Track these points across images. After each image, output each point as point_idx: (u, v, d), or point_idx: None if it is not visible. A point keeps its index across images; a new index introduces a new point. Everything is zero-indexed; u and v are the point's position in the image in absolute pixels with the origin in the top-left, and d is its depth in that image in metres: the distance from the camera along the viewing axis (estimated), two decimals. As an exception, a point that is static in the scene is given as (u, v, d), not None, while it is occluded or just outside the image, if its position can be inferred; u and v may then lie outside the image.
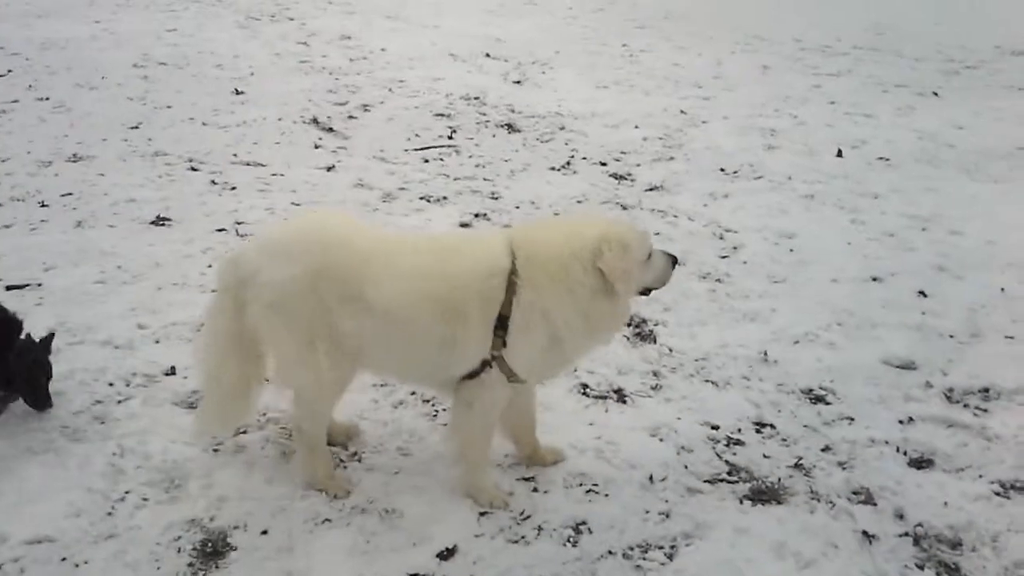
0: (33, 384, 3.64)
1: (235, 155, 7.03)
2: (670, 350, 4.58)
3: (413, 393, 4.05)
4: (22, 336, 3.68)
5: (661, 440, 3.87)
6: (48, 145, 6.95)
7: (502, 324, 3.13)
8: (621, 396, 4.16)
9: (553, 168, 7.18)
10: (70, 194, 6.04)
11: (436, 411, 3.95)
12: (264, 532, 3.20)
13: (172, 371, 4.10)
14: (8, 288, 4.71)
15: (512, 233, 3.34)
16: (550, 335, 3.21)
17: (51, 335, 3.78)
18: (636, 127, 8.27)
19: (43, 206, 5.85)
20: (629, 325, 4.77)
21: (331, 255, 3.14)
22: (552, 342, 3.23)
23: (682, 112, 8.80)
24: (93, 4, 11.98)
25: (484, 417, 3.35)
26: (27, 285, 4.77)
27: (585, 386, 4.19)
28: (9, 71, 8.86)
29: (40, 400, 3.66)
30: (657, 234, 5.93)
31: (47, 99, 8.07)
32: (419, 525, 3.28)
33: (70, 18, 11.15)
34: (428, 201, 6.32)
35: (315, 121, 7.99)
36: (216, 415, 3.43)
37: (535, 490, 3.52)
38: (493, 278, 3.13)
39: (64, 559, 3.04)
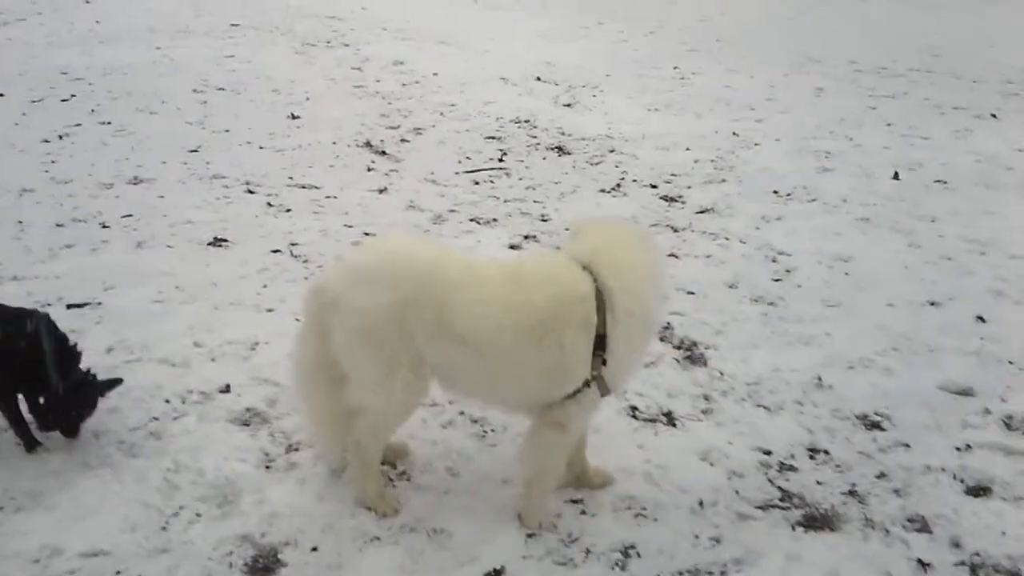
0: (68, 417, 3.66)
1: (290, 178, 7.16)
2: (721, 374, 4.53)
3: (462, 413, 4.07)
4: (82, 367, 3.72)
5: (712, 465, 3.82)
6: (110, 168, 7.15)
7: (599, 343, 3.13)
8: (671, 419, 4.12)
9: (603, 190, 7.18)
10: (130, 215, 6.20)
11: (484, 432, 3.95)
12: (314, 549, 3.22)
13: (227, 389, 4.17)
14: (68, 307, 4.84)
15: (578, 253, 3.30)
16: (645, 345, 3.31)
17: (118, 381, 3.81)
18: (687, 149, 8.24)
19: (104, 227, 6.01)
20: (679, 348, 4.75)
21: (420, 284, 3.14)
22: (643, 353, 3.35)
23: (734, 134, 8.75)
24: (154, 31, 12.35)
25: (574, 436, 3.38)
26: (87, 304, 4.90)
27: (634, 409, 4.16)
28: (72, 96, 9.16)
29: (72, 431, 3.70)
30: (708, 257, 5.90)
31: (109, 123, 8.32)
32: (467, 546, 3.28)
33: (131, 45, 11.51)
34: (478, 223, 6.36)
35: (368, 144, 8.11)
36: (325, 443, 3.53)
37: (583, 512, 3.49)
38: (586, 301, 3.12)
39: (118, 572, 3.08)
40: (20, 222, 6.01)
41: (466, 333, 3.11)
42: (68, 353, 3.69)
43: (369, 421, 3.34)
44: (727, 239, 6.23)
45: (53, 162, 7.23)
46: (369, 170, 7.47)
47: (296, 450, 3.77)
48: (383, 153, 7.92)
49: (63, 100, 9.00)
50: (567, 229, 5.89)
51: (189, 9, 14.05)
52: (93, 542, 3.20)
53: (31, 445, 3.66)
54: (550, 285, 3.17)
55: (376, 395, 3.24)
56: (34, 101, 8.93)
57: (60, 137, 7.85)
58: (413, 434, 3.91)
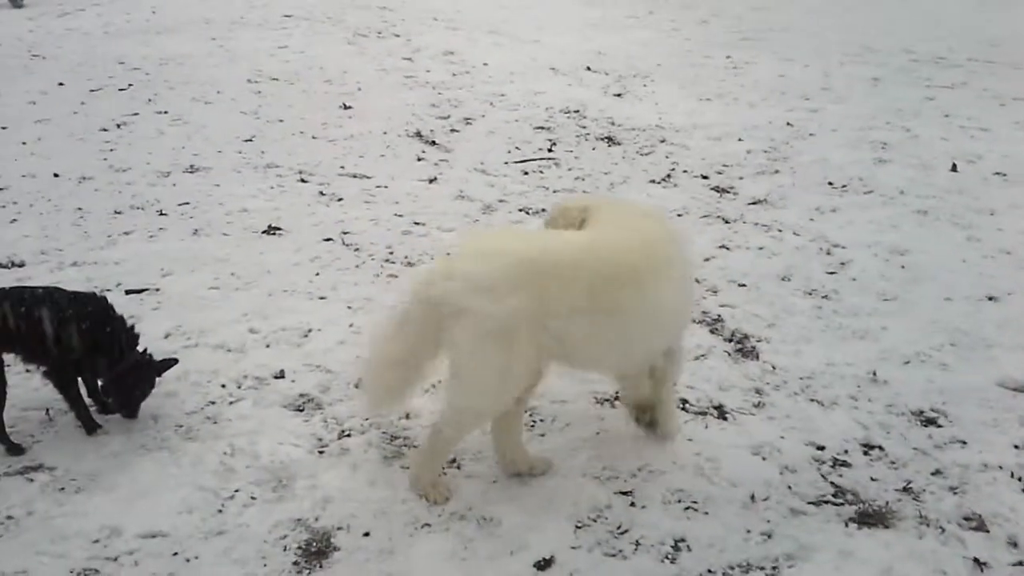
0: (129, 396, 3.78)
1: (342, 167, 7.22)
2: (773, 367, 4.48)
3: (512, 403, 4.09)
4: (139, 349, 3.81)
5: (764, 459, 3.78)
6: (167, 156, 7.29)
7: None
8: (722, 413, 4.09)
9: (653, 181, 7.13)
10: (187, 203, 6.32)
11: (533, 422, 3.96)
12: (366, 534, 3.27)
13: (281, 375, 4.24)
14: (127, 292, 4.96)
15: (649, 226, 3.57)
16: None
17: (174, 361, 3.92)
18: (740, 139, 8.15)
19: (162, 215, 6.13)
20: (730, 340, 4.70)
21: (554, 276, 3.18)
22: None
23: (788, 124, 8.63)
24: (210, 22, 12.53)
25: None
26: (145, 290, 5.01)
27: (685, 401, 4.14)
28: (130, 85, 9.34)
29: (132, 412, 3.81)
30: (760, 248, 5.84)
31: (166, 112, 8.47)
32: (516, 534, 3.30)
33: (188, 35, 11.69)
34: (527, 213, 6.36)
35: (418, 134, 8.15)
36: (379, 391, 3.54)
37: (632, 504, 3.48)
38: (672, 241, 3.54)
39: (176, 554, 3.16)
40: (79, 209, 6.16)
41: (615, 303, 3.21)
42: (127, 335, 3.78)
43: (461, 417, 3.38)
44: (780, 231, 6.15)
45: (112, 150, 7.39)
46: (419, 160, 7.51)
47: (348, 436, 3.82)
48: (433, 143, 7.95)
49: (121, 89, 9.19)
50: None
51: (244, 0, 14.22)
52: (151, 523, 3.28)
53: (91, 427, 3.76)
54: (638, 233, 3.43)
55: (487, 396, 3.29)
56: (93, 90, 9.13)
57: (118, 126, 8.02)
58: (463, 422, 3.93)
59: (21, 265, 5.28)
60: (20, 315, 3.57)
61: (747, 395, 4.24)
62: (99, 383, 3.82)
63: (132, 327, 3.84)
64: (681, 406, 4.10)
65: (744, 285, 5.32)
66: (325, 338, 4.57)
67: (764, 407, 4.15)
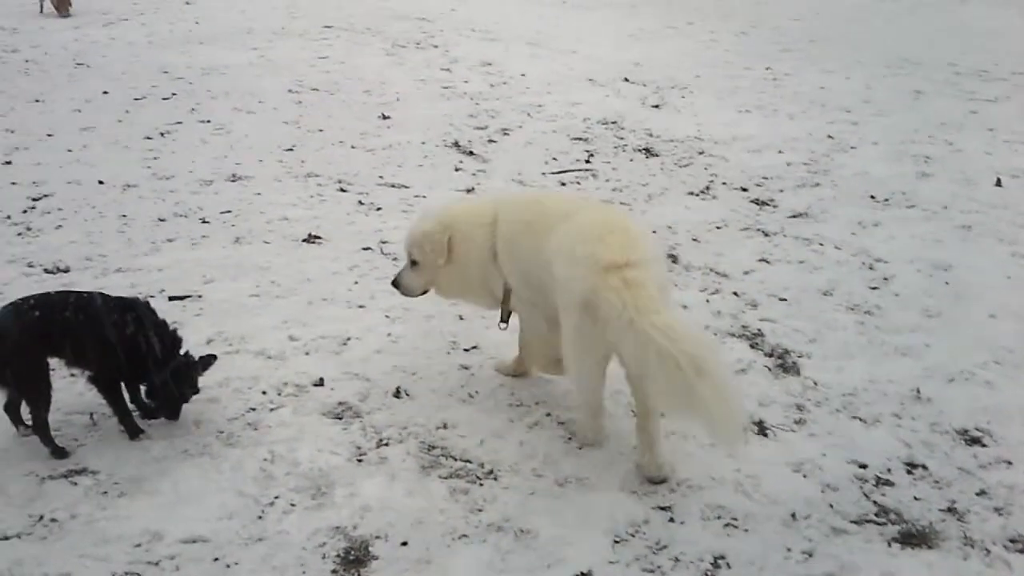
0: (173, 399, 3.82)
1: (381, 177, 7.27)
2: (815, 383, 4.42)
3: (548, 415, 4.08)
4: (182, 351, 3.86)
5: (805, 476, 3.73)
6: (209, 165, 7.39)
7: None
8: (762, 428, 4.04)
9: (692, 193, 7.09)
10: (229, 211, 6.40)
11: (570, 436, 3.95)
12: (404, 543, 3.27)
13: (320, 382, 4.26)
14: (171, 299, 5.02)
15: None
16: None
17: (213, 358, 3.96)
18: (780, 152, 8.09)
19: (204, 222, 6.21)
20: (771, 356, 4.66)
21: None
22: None
23: (829, 137, 8.55)
24: (251, 33, 12.70)
25: None
26: (188, 296, 5.07)
27: (724, 416, 4.10)
28: (173, 94, 9.49)
29: (174, 414, 3.86)
30: (801, 262, 5.78)
31: (208, 122, 8.59)
32: (553, 547, 3.28)
33: (230, 46, 11.85)
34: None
35: (456, 145, 8.19)
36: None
37: (671, 520, 3.45)
38: None
39: (216, 559, 3.18)
40: (124, 216, 6.26)
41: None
42: (170, 339, 3.83)
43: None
44: (821, 245, 6.09)
45: (155, 158, 7.50)
46: (457, 170, 7.54)
47: (386, 445, 3.83)
48: (471, 153, 7.98)
49: (164, 98, 9.34)
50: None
51: (285, 11, 14.40)
52: (192, 528, 3.31)
53: (134, 432, 3.81)
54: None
55: None
56: (136, 99, 9.29)
57: (162, 134, 8.15)
58: (499, 433, 3.94)
59: (66, 271, 5.38)
60: (66, 320, 3.63)
61: (788, 411, 4.19)
62: (143, 387, 3.88)
63: (174, 331, 3.89)
64: (720, 421, 4.06)
65: (785, 299, 5.27)
66: (363, 346, 4.60)
67: (805, 424, 4.10)
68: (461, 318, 4.92)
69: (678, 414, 3.54)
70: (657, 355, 3.22)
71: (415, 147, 8.08)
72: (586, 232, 3.59)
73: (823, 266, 5.76)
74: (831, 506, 3.54)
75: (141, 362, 3.74)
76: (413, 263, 4.12)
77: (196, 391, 3.89)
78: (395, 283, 4.21)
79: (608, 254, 3.44)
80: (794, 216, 6.62)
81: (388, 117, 8.96)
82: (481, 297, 4.24)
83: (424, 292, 4.24)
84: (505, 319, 4.22)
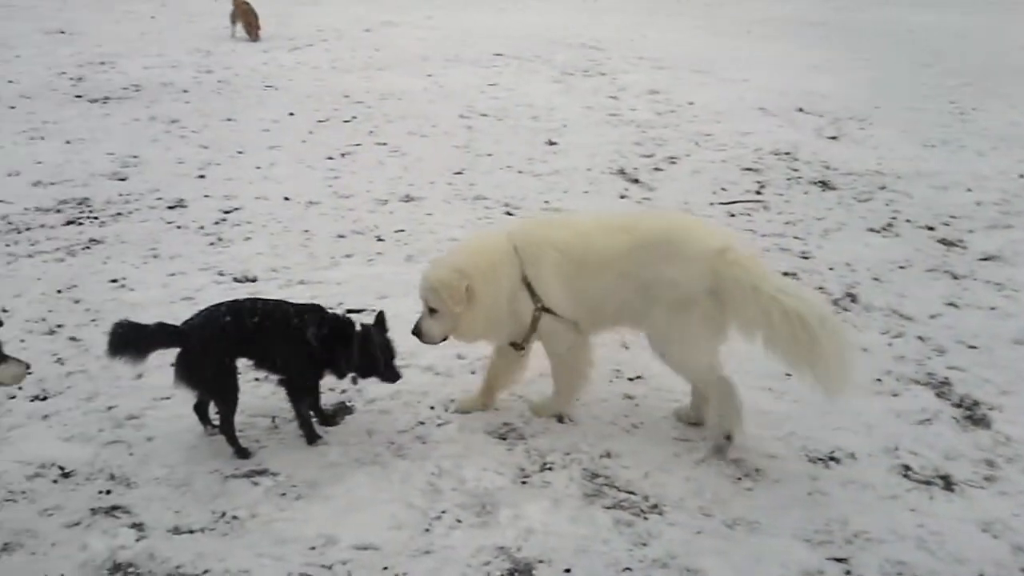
0: (377, 362, 3.95)
1: (546, 202, 7.34)
2: (1007, 438, 4.11)
3: (717, 452, 3.97)
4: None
5: (994, 537, 3.47)
6: (385, 185, 7.67)
7: None
8: (948, 483, 3.78)
9: (872, 229, 6.77)
10: (402, 230, 6.61)
11: (739, 476, 3.82)
12: (567, 570, 3.25)
13: (486, 402, 4.32)
14: (348, 311, 5.20)
15: None
16: None
17: (380, 313, 4.09)
18: (968, 190, 7.61)
19: (379, 240, 6.45)
20: (959, 406, 4.36)
21: None
22: None
23: (1022, 177, 7.97)
24: (426, 59, 13.16)
25: None
26: (363, 310, 5.25)
27: (907, 468, 3.87)
28: (354, 117, 9.93)
29: (391, 374, 3.99)
30: (993, 309, 5.40)
31: (385, 144, 8.94)
32: (722, 589, 3.18)
33: (406, 72, 12.31)
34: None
35: (622, 172, 8.17)
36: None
37: (848, 573, 3.27)
38: None
39: (386, 568, 3.26)
40: (306, 231, 6.59)
41: None
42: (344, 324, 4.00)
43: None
44: (1015, 290, 5.67)
45: (336, 178, 7.87)
46: (622, 197, 7.52)
47: (550, 469, 3.83)
48: (636, 181, 7.94)
49: (345, 121, 9.79)
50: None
51: (458, 39, 14.85)
52: (364, 536, 3.41)
53: (312, 438, 3.97)
54: None
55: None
56: (320, 121, 9.78)
57: (342, 155, 8.54)
58: (663, 466, 3.86)
59: (254, 280, 5.70)
60: (255, 326, 3.82)
61: (977, 466, 3.91)
62: (350, 376, 4.04)
63: (347, 317, 4.10)
64: (903, 473, 3.84)
65: (975, 347, 4.94)
66: (528, 369, 4.62)
67: (996, 481, 3.82)
68: (626, 347, 4.87)
69: (799, 367, 3.71)
70: (783, 314, 3.60)
71: (581, 173, 8.12)
72: (679, 233, 3.90)
73: (1016, 313, 5.37)
74: (1022, 571, 3.26)
75: (329, 360, 3.91)
76: (432, 311, 4.05)
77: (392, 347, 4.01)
78: (416, 332, 4.12)
79: (713, 242, 3.81)
80: (985, 259, 6.19)
81: (555, 143, 9.05)
82: (505, 331, 4.11)
83: (445, 339, 4.13)
84: (526, 343, 4.15)
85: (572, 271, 3.93)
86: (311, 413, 4.04)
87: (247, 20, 14.12)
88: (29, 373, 3.55)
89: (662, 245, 3.85)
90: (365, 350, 3.92)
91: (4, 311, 5.11)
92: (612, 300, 3.95)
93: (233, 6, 14.25)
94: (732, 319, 3.81)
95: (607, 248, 3.90)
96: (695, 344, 3.88)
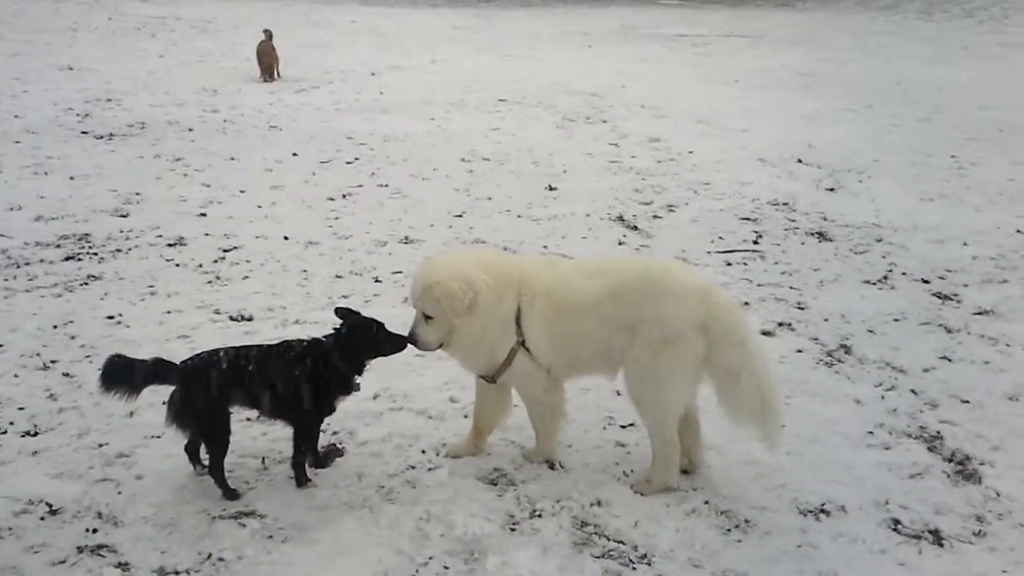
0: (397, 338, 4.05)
1: (545, 246, 7.39)
2: (997, 494, 4.10)
3: (707, 502, 3.95)
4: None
5: (984, 594, 3.45)
6: (384, 227, 7.73)
7: None
8: (938, 538, 3.76)
9: (867, 281, 6.79)
10: (400, 272, 6.64)
11: (729, 527, 3.80)
12: (554, 620, 3.23)
13: (477, 447, 4.32)
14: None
15: None
16: None
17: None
18: (965, 244, 7.65)
19: (377, 281, 6.49)
20: (950, 461, 4.35)
21: None
22: None
23: (1019, 232, 8.02)
24: (430, 103, 13.33)
25: None
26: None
27: (897, 522, 3.85)
28: (356, 159, 10.04)
29: (399, 343, 4.08)
30: (986, 363, 5.42)
31: (386, 186, 9.02)
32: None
33: (409, 115, 12.47)
34: (730, 305, 6.21)
35: (620, 219, 8.23)
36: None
37: (836, 628, 3.25)
38: None
39: (370, 613, 3.24)
40: (305, 271, 6.63)
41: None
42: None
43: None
44: (1008, 345, 5.68)
45: (336, 218, 7.93)
46: (620, 244, 7.56)
47: (539, 516, 3.81)
48: (635, 228, 7.99)
49: (347, 162, 9.90)
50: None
51: (462, 84, 15.06)
52: (349, 580, 3.38)
53: (302, 481, 3.96)
54: None
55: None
56: (322, 162, 9.89)
57: (343, 196, 8.62)
58: (655, 517, 3.84)
59: (250, 319, 5.72)
60: (250, 374, 3.83)
61: (967, 522, 3.90)
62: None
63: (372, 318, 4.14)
64: (892, 527, 3.82)
65: (967, 401, 4.93)
66: (520, 414, 4.56)
67: (986, 536, 3.81)
68: (618, 393, 4.86)
69: (743, 422, 3.95)
70: (751, 375, 3.82)
71: (579, 219, 8.18)
72: (660, 272, 4.01)
73: (1010, 368, 5.37)
74: (1015, 632, 3.24)
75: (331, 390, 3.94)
76: (427, 318, 4.01)
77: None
78: (411, 339, 4.06)
79: (696, 280, 3.97)
80: (979, 313, 6.21)
81: (555, 188, 9.13)
82: (484, 355, 4.08)
83: (440, 346, 4.07)
84: (497, 377, 4.12)
85: (551, 314, 3.95)
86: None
87: (268, 62, 14.38)
88: None
89: (645, 284, 3.91)
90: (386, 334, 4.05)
91: None
92: (591, 344, 3.97)
93: (259, 51, 14.53)
94: (713, 360, 3.85)
95: (587, 292, 3.93)
96: (673, 386, 3.88)
